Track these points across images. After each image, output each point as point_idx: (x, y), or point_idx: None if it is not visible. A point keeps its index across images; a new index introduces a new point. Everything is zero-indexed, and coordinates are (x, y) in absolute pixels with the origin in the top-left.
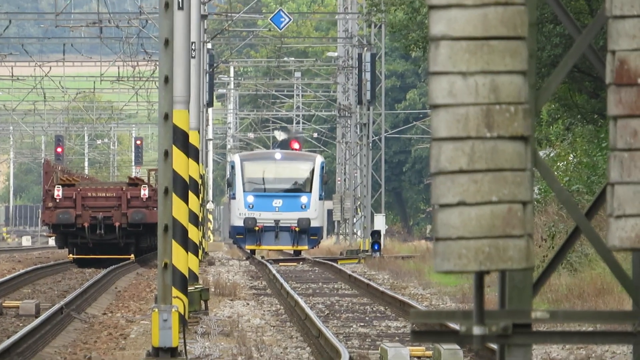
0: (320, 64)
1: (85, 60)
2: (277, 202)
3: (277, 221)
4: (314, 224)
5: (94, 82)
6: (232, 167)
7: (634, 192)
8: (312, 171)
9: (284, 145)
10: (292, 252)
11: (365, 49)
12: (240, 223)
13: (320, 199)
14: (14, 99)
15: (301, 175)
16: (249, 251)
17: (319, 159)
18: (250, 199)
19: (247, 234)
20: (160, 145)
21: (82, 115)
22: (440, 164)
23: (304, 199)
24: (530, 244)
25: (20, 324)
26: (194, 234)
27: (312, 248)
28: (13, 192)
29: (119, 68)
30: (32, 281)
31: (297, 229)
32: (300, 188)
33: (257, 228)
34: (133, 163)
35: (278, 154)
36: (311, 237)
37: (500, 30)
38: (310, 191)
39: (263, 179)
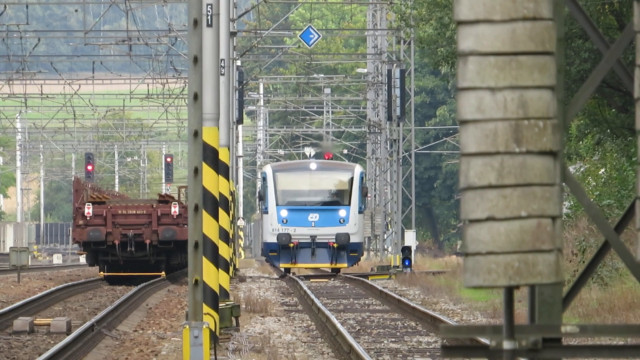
0: (350, 81)
1: (114, 78)
2: (314, 217)
3: (313, 237)
4: (353, 239)
5: (124, 100)
6: (264, 179)
7: None
8: (351, 182)
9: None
10: (329, 270)
11: (395, 65)
12: (273, 239)
13: (359, 212)
14: (43, 117)
15: (339, 187)
16: (282, 269)
17: (358, 168)
18: (284, 213)
19: (281, 251)
20: (190, 163)
21: (112, 133)
22: (469, 180)
23: (342, 212)
24: (560, 258)
25: (52, 342)
26: (224, 250)
27: (352, 265)
28: (43, 210)
29: (148, 86)
30: (63, 299)
31: (335, 245)
32: (338, 201)
33: (291, 245)
34: (163, 180)
35: (314, 164)
36: (351, 254)
37: (528, 46)
38: (349, 204)
39: (298, 191)
